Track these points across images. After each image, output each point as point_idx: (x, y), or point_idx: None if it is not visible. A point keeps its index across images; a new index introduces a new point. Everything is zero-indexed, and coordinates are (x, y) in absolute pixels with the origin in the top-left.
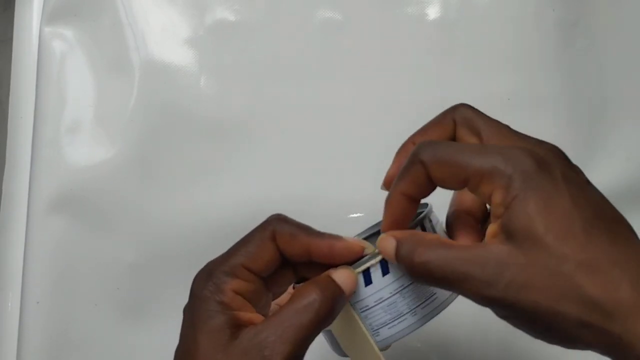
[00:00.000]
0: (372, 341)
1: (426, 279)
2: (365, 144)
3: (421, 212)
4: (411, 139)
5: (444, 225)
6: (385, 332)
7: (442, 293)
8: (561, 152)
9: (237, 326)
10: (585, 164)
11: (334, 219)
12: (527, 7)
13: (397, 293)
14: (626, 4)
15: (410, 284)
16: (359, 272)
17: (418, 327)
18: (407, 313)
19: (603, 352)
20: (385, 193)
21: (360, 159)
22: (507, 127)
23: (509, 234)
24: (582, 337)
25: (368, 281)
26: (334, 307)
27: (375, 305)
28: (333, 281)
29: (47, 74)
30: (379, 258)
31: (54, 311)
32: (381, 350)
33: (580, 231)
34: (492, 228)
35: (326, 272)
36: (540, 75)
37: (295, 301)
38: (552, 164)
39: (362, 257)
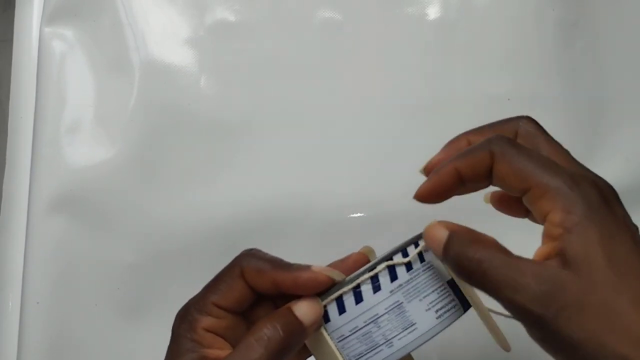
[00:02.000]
0: None
1: (475, 277)
2: (365, 144)
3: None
4: (466, 135)
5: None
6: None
7: (423, 323)
8: (616, 191)
9: None
10: (585, 164)
11: (334, 219)
12: (527, 7)
13: (371, 322)
14: (626, 4)
15: (385, 312)
16: (330, 301)
17: (396, 358)
18: (382, 344)
19: None
20: (385, 195)
21: (360, 158)
22: (568, 152)
23: (566, 259)
24: None
25: (342, 309)
26: (288, 341)
27: (351, 334)
28: (290, 313)
29: (47, 74)
30: (351, 285)
31: (54, 311)
32: None
33: (636, 267)
34: (544, 249)
35: (287, 305)
36: (540, 75)
37: (247, 337)
38: (612, 201)
39: (335, 285)
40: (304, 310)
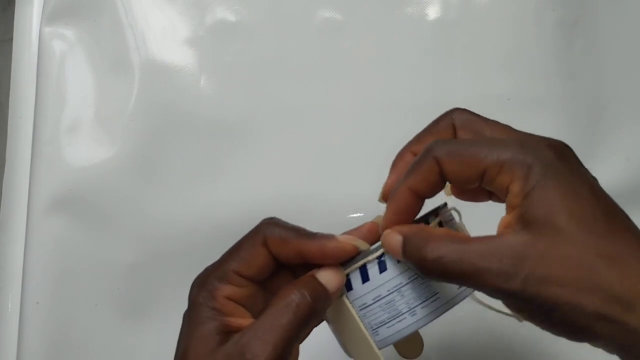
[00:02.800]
0: (370, 340)
1: (440, 275)
2: (365, 144)
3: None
4: (408, 148)
5: (462, 226)
6: (384, 332)
7: (445, 293)
8: (571, 149)
9: (226, 332)
10: (585, 164)
11: (334, 219)
12: (527, 8)
13: (395, 291)
14: (626, 4)
15: (409, 282)
16: (354, 270)
17: (418, 328)
18: (405, 312)
19: (612, 347)
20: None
21: (360, 158)
22: (509, 126)
23: (527, 222)
24: (596, 329)
25: (365, 278)
26: (315, 307)
27: (373, 303)
28: (315, 280)
29: (47, 74)
30: (376, 254)
31: (54, 311)
32: (381, 348)
33: (602, 222)
34: (506, 219)
35: (310, 272)
36: (540, 75)
37: (275, 303)
38: (570, 158)
39: (359, 254)
40: (328, 277)
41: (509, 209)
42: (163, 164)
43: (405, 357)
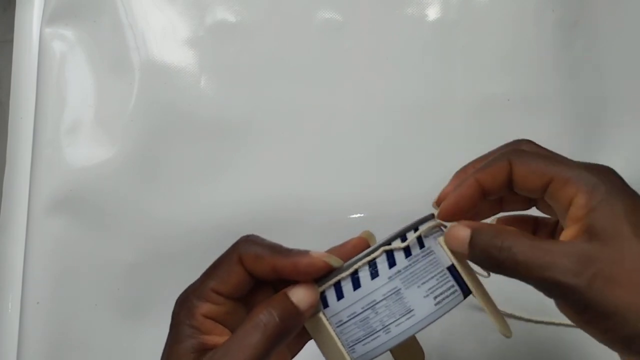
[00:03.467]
0: (347, 357)
1: (506, 264)
2: (365, 144)
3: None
4: (472, 164)
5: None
6: (359, 349)
7: (421, 309)
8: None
9: (202, 350)
10: None
11: (334, 219)
12: (527, 8)
13: (369, 308)
14: (626, 4)
15: (383, 299)
16: (328, 287)
17: (392, 346)
18: (380, 330)
19: None
20: (385, 195)
21: (360, 158)
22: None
23: (593, 233)
24: None
25: (340, 295)
26: (284, 326)
27: (349, 320)
28: (287, 299)
29: (48, 74)
30: (349, 271)
31: (54, 311)
32: None
33: None
34: (571, 230)
35: (284, 290)
36: (540, 75)
37: (245, 323)
38: (623, 181)
39: (335, 270)
40: (299, 295)
41: (571, 221)
42: (163, 164)
43: None
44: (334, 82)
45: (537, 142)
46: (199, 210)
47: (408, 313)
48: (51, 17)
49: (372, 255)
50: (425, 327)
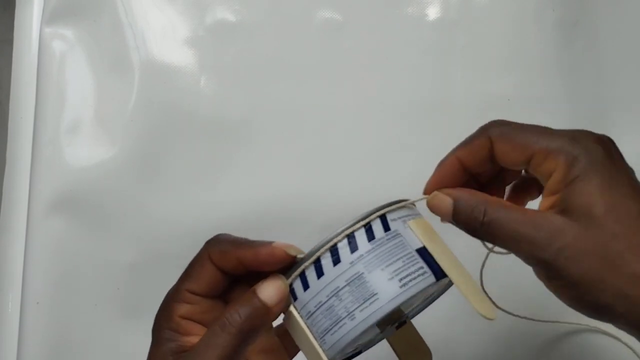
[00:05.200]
0: (318, 349)
1: (487, 237)
2: (365, 144)
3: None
4: (453, 152)
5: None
6: (329, 339)
7: (385, 293)
8: (614, 142)
9: (181, 352)
10: None
11: (334, 219)
12: (527, 8)
13: (333, 296)
14: (626, 4)
15: (346, 284)
16: (294, 278)
17: (358, 333)
18: (345, 317)
19: (629, 326)
20: (385, 194)
21: (359, 158)
22: (546, 127)
23: (566, 209)
24: (617, 307)
25: (306, 285)
26: (252, 324)
27: (316, 310)
28: (254, 297)
29: (47, 74)
30: (312, 259)
31: (54, 311)
32: (332, 358)
33: (635, 216)
34: (547, 202)
35: (253, 287)
36: (540, 75)
37: (214, 323)
38: (613, 150)
39: (299, 261)
40: (266, 291)
41: (548, 192)
42: (163, 164)
43: None
44: (334, 82)
45: None
46: (199, 210)
47: (372, 297)
48: (51, 17)
49: (334, 241)
50: (392, 310)
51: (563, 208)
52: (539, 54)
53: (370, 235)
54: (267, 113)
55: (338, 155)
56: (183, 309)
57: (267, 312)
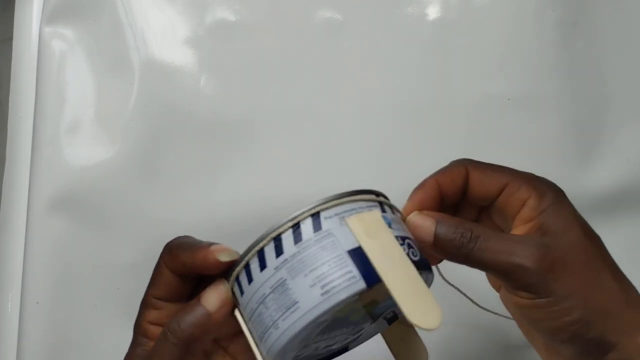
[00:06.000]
0: (257, 354)
1: (474, 254)
2: (365, 144)
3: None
4: (432, 177)
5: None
6: (262, 347)
7: (306, 301)
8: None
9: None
10: (585, 164)
11: None
12: (527, 8)
13: (261, 303)
14: (626, 4)
15: (271, 292)
16: (233, 283)
17: (285, 343)
18: (271, 326)
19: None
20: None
21: (359, 158)
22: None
23: (546, 230)
24: (596, 323)
25: (241, 290)
26: (193, 331)
27: (251, 316)
28: (197, 303)
29: (47, 73)
30: (242, 263)
31: (54, 311)
32: None
33: (599, 241)
34: (520, 229)
35: (200, 294)
36: (540, 75)
37: (161, 331)
38: (562, 191)
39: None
40: (207, 297)
41: (521, 221)
42: (163, 164)
43: None
44: (334, 82)
45: (537, 142)
46: (199, 210)
47: (293, 306)
48: (51, 17)
49: (260, 245)
50: (315, 320)
51: (543, 230)
52: (539, 54)
53: (298, 237)
54: (267, 113)
55: (338, 155)
56: (151, 315)
57: (209, 319)
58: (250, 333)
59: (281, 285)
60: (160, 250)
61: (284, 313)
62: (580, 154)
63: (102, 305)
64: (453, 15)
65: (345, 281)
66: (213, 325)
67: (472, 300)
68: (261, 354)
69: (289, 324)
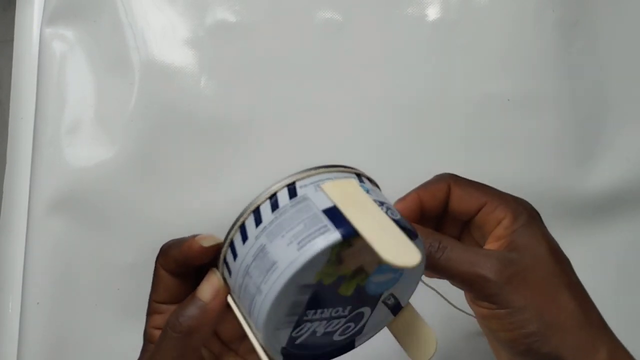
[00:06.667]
0: (250, 334)
1: (441, 262)
2: (365, 144)
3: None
4: (415, 191)
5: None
6: (253, 320)
7: (283, 261)
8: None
9: None
10: (585, 164)
11: None
12: (527, 8)
13: (246, 275)
14: (626, 4)
15: (253, 260)
16: (222, 267)
17: (269, 307)
18: (255, 294)
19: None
20: (384, 194)
21: (359, 159)
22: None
23: (514, 247)
24: (551, 337)
25: (229, 271)
26: (192, 325)
27: (240, 293)
28: (193, 296)
29: (48, 74)
30: (227, 241)
31: (54, 312)
32: (266, 341)
33: (568, 264)
34: (494, 245)
35: (195, 289)
36: (540, 75)
37: (163, 327)
38: (538, 214)
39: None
40: (201, 289)
41: (494, 238)
42: (163, 164)
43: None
44: (334, 82)
45: (537, 142)
46: (199, 210)
47: (272, 267)
48: (51, 17)
49: (241, 220)
50: (294, 276)
51: (511, 247)
52: (539, 54)
53: (275, 205)
54: (267, 113)
55: (338, 155)
56: (155, 320)
57: (206, 309)
58: (243, 316)
59: (261, 251)
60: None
61: (264, 276)
62: (580, 154)
63: (102, 305)
64: (453, 16)
65: (320, 235)
66: (210, 316)
67: (449, 302)
68: (254, 334)
69: (270, 286)
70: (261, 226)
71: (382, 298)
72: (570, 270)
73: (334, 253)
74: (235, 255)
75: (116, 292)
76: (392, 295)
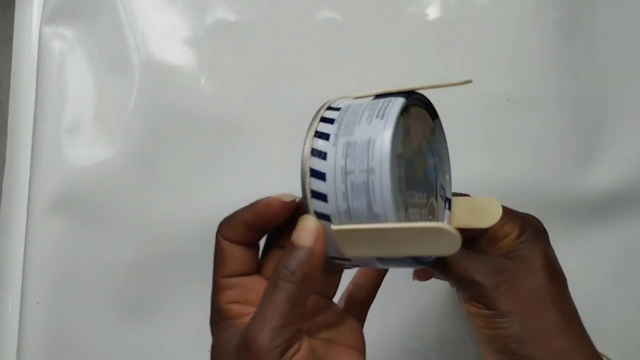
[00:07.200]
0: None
1: (439, 264)
2: None
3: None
4: None
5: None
6: (377, 209)
7: (375, 133)
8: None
9: (239, 333)
10: (585, 164)
11: None
12: (527, 7)
13: (346, 176)
14: (626, 4)
15: (344, 159)
16: (309, 204)
17: (388, 169)
18: (368, 177)
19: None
20: None
21: None
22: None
23: (511, 257)
24: (531, 346)
25: (323, 198)
26: (303, 272)
27: (349, 200)
28: (293, 246)
29: (47, 74)
30: (308, 175)
31: (54, 311)
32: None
33: (563, 279)
34: (496, 254)
35: (289, 240)
36: (541, 75)
37: (268, 284)
38: (545, 233)
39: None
40: (299, 236)
41: (498, 248)
42: (163, 164)
43: (438, 254)
44: (334, 82)
45: (537, 142)
46: (199, 210)
47: (369, 143)
48: (51, 17)
49: (311, 146)
50: (394, 136)
51: (509, 256)
52: (539, 54)
53: (330, 121)
54: (267, 113)
55: None
56: (226, 295)
57: (312, 254)
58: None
59: (349, 146)
60: (160, 250)
61: (367, 155)
62: (580, 154)
63: (102, 305)
64: (453, 15)
65: (389, 104)
66: (319, 260)
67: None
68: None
69: (379, 154)
70: (331, 138)
71: (437, 188)
72: (561, 285)
73: (405, 120)
74: (323, 179)
75: (116, 292)
76: (442, 187)
